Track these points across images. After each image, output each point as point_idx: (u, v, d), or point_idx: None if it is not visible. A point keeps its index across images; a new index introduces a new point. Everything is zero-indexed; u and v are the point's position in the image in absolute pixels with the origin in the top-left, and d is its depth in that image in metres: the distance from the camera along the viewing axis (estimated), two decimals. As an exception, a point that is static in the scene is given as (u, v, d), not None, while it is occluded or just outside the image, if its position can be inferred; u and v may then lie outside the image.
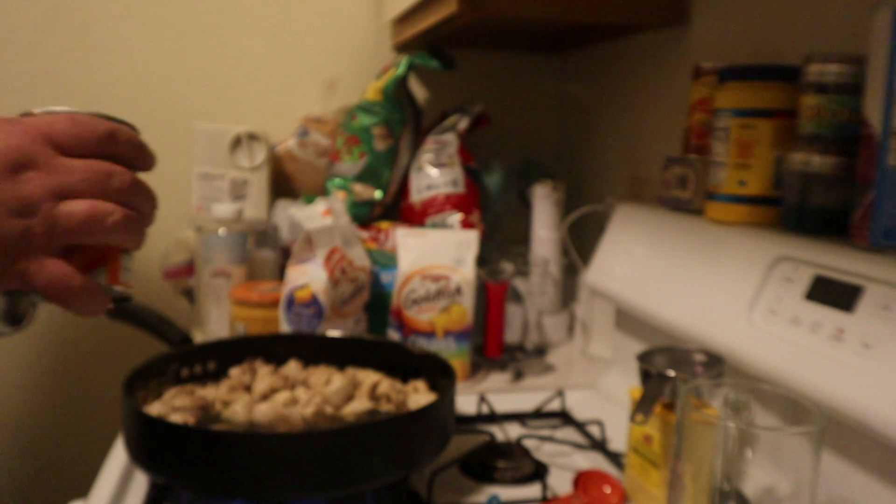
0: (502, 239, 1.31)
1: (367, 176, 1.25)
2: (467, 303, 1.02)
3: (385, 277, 1.10)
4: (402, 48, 1.41)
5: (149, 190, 0.46)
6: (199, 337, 1.11)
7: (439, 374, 0.78)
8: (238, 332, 1.05)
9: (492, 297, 1.07)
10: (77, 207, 0.41)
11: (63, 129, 0.42)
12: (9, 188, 0.39)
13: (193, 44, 1.36)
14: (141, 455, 0.65)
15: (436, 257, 1.03)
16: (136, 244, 0.46)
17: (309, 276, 0.98)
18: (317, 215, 1.01)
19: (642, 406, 0.63)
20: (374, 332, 1.10)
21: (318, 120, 1.35)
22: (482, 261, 1.07)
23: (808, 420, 0.50)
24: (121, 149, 0.45)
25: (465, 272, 1.02)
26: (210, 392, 0.77)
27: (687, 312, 0.78)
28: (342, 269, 1.01)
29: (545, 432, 0.85)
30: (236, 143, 1.28)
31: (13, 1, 1.29)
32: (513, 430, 0.86)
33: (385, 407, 0.76)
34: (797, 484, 0.49)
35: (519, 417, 0.89)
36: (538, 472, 0.75)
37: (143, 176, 0.48)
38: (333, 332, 0.89)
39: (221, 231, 1.10)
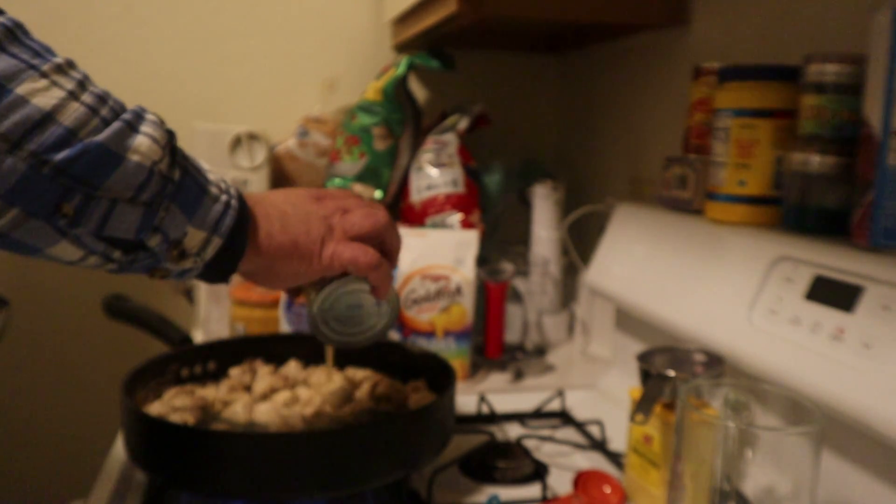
0: (502, 239, 1.31)
1: (367, 176, 1.25)
2: (467, 303, 1.02)
3: (385, 277, 1.10)
4: (402, 48, 1.41)
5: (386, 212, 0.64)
6: (199, 337, 1.11)
7: (439, 374, 0.78)
8: (238, 332, 1.04)
9: (492, 297, 1.07)
10: (358, 212, 0.61)
11: (330, 189, 0.65)
12: (316, 206, 0.60)
13: (193, 44, 1.36)
14: (141, 455, 0.65)
15: (436, 257, 1.03)
16: (398, 243, 0.64)
17: (309, 276, 0.98)
18: (317, 215, 1.01)
19: (642, 406, 0.63)
20: (374, 332, 1.09)
21: (318, 120, 1.35)
22: (482, 261, 1.07)
23: (808, 420, 0.50)
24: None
25: (465, 272, 1.02)
26: (210, 392, 0.77)
27: (687, 312, 0.78)
28: (342, 269, 1.01)
29: (545, 432, 0.85)
30: (236, 143, 1.28)
31: (13, 1, 1.29)
32: (513, 430, 0.86)
33: (385, 407, 0.76)
34: (797, 484, 0.49)
35: (519, 417, 0.89)
36: (538, 472, 0.75)
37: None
38: (333, 332, 0.89)
39: (221, 231, 1.10)
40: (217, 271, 0.55)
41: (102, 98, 0.47)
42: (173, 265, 0.51)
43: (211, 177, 0.54)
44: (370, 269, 0.59)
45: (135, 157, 0.46)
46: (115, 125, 0.46)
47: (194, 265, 0.53)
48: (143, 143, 0.47)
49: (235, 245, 0.54)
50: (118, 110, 0.47)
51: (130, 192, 0.47)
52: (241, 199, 0.55)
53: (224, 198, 0.53)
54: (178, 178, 0.50)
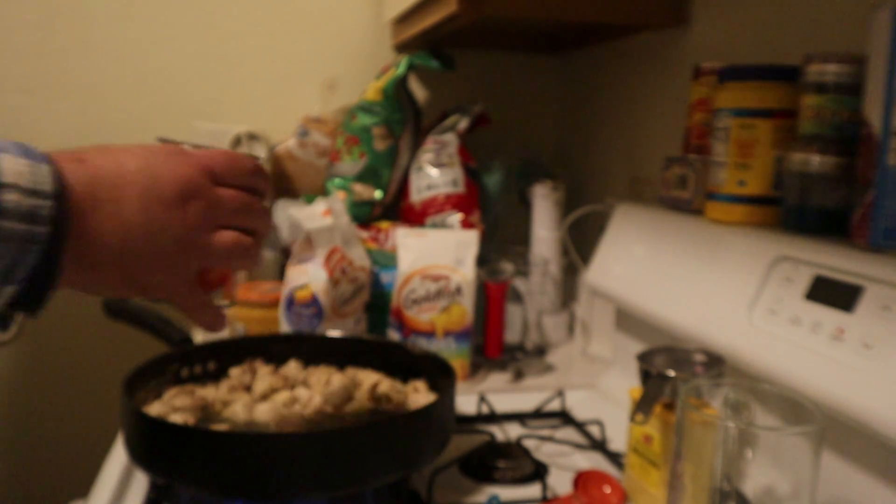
0: (502, 239, 1.31)
1: (367, 176, 1.25)
2: (467, 303, 1.02)
3: (385, 277, 1.10)
4: (402, 48, 1.41)
5: (270, 216, 0.54)
6: (199, 337, 1.11)
7: (439, 374, 0.78)
8: (238, 332, 1.04)
9: (492, 297, 1.07)
10: (226, 238, 0.49)
11: (222, 163, 0.49)
12: (177, 216, 0.46)
13: (193, 44, 1.36)
14: (141, 455, 0.65)
15: (436, 257, 1.03)
16: (256, 267, 0.54)
17: (309, 276, 0.98)
18: (317, 215, 1.01)
19: (642, 406, 0.63)
20: (374, 332, 1.10)
21: (318, 120, 1.35)
22: (482, 261, 1.07)
23: (808, 420, 0.50)
24: (260, 182, 0.52)
25: (465, 272, 1.02)
26: (210, 392, 0.77)
27: (687, 312, 0.78)
28: (342, 269, 1.01)
29: (545, 432, 0.85)
30: (236, 143, 1.28)
31: (13, 1, 1.29)
32: (513, 430, 0.86)
33: (385, 407, 0.76)
34: (797, 484, 0.49)
35: (519, 417, 0.89)
36: (538, 472, 0.75)
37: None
38: (333, 332, 0.89)
39: (221, 231, 1.10)
40: (24, 305, 0.42)
41: None
42: None
43: (8, 198, 0.38)
44: (244, 266, 0.52)
45: None
46: None
47: None
48: None
49: (37, 288, 0.42)
50: None
51: None
52: (58, 221, 0.40)
53: (20, 228, 0.38)
54: None
